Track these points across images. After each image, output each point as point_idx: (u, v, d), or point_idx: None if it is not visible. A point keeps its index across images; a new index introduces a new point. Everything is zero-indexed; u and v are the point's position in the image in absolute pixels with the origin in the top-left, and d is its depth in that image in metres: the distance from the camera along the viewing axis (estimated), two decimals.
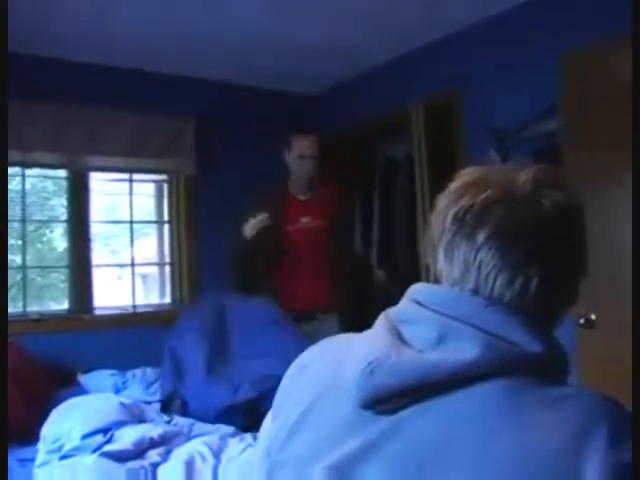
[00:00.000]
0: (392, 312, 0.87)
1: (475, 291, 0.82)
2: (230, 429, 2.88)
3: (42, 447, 2.68)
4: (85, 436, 2.64)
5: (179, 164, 4.33)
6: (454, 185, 0.87)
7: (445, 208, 0.85)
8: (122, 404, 2.94)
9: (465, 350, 0.75)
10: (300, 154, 3.53)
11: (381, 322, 0.86)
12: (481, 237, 0.80)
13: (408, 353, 0.77)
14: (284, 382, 0.98)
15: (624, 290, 2.77)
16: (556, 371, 0.80)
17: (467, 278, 0.82)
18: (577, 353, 2.89)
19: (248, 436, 2.75)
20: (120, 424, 2.75)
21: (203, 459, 2.50)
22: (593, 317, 2.84)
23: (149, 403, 3.41)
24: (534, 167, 0.85)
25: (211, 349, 3.22)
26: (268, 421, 1.00)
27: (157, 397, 3.49)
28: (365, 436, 0.78)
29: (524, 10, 3.47)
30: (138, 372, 3.72)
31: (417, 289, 0.86)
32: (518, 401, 0.74)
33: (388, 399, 0.77)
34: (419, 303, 0.83)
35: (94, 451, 2.57)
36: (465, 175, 0.87)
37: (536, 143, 3.38)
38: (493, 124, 3.57)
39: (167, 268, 4.52)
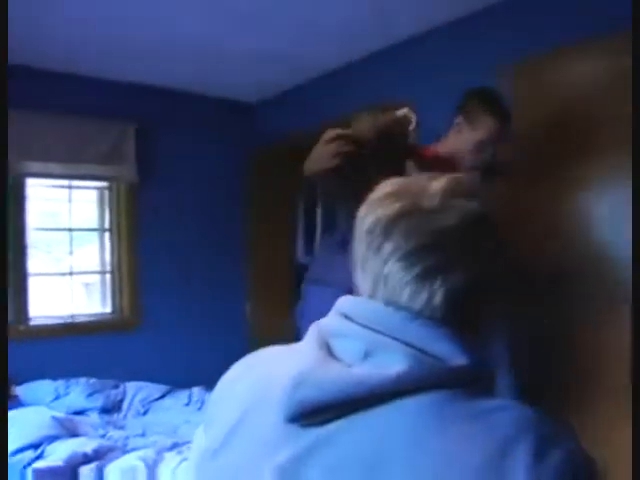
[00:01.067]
0: (322, 325, 0.86)
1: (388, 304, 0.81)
2: (167, 442, 2.82)
3: None
4: (14, 452, 2.56)
5: (120, 171, 4.25)
6: (371, 197, 0.86)
7: (360, 220, 0.85)
8: (54, 418, 2.87)
9: (391, 365, 0.75)
10: (489, 140, 2.67)
11: (311, 335, 0.85)
12: (387, 250, 0.80)
13: (335, 367, 0.77)
14: (215, 394, 0.97)
15: None
16: (483, 383, 0.80)
17: (377, 291, 0.82)
18: None
19: (185, 449, 2.70)
20: (52, 439, 2.68)
21: (138, 474, 2.45)
22: None
23: (89, 410, 3.34)
24: (447, 177, 0.85)
25: None
26: (200, 433, 0.98)
27: (99, 404, 3.43)
28: (292, 450, 0.77)
29: (469, 21, 3.49)
30: (82, 380, 3.66)
31: (345, 302, 0.86)
32: (444, 415, 0.73)
33: (314, 413, 0.76)
34: (347, 317, 0.83)
35: (24, 468, 2.50)
36: (383, 187, 0.87)
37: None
38: (439, 134, 3.58)
39: (108, 276, 4.43)
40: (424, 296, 0.79)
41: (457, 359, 0.76)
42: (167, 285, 4.38)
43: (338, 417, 0.76)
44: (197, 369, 4.01)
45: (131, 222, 4.34)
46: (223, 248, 4.64)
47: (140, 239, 4.34)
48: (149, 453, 2.63)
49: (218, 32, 3.59)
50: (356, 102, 4.01)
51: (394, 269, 0.80)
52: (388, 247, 0.80)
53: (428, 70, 3.72)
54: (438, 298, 0.79)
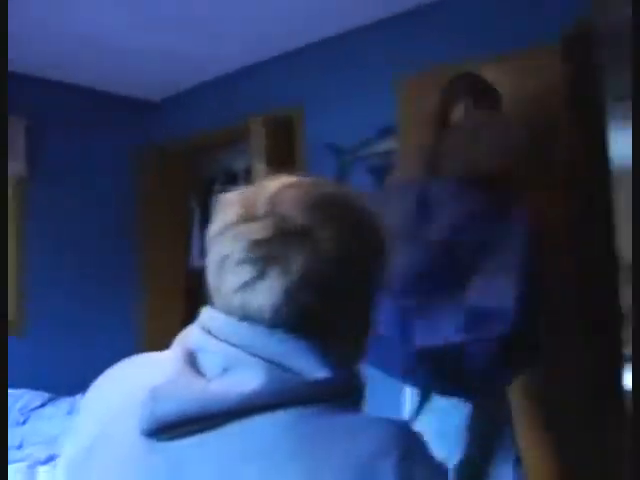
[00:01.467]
0: (186, 337, 0.83)
1: (245, 317, 0.78)
2: (42, 455, 2.69)
3: None
4: None
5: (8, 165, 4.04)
6: (220, 201, 0.84)
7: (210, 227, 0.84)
8: None
9: (247, 381, 0.72)
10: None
11: (178, 345, 0.83)
12: (217, 258, 0.79)
13: (193, 381, 0.75)
14: (83, 402, 0.93)
15: None
16: (350, 397, 0.78)
17: (215, 300, 0.81)
18: None
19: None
20: None
21: None
22: None
23: None
24: (283, 181, 0.83)
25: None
26: (67, 444, 0.92)
27: None
28: (150, 467, 0.75)
29: (368, 31, 3.52)
30: None
31: (205, 315, 0.83)
32: (305, 432, 0.71)
33: (170, 428, 0.73)
34: (207, 330, 0.80)
35: None
36: (233, 193, 0.84)
37: (373, 162, 3.45)
38: (333, 141, 3.60)
39: None
40: (252, 307, 0.76)
41: (318, 373, 0.74)
42: (54, 287, 4.20)
43: (197, 432, 0.73)
44: (84, 375, 3.85)
45: (17, 219, 4.13)
46: (116, 249, 4.49)
47: (27, 238, 4.14)
48: (21, 467, 2.49)
49: (120, 27, 3.48)
50: (257, 104, 3.98)
51: (223, 278, 0.78)
52: (218, 256, 0.79)
53: (324, 77, 3.73)
54: (266, 310, 0.76)
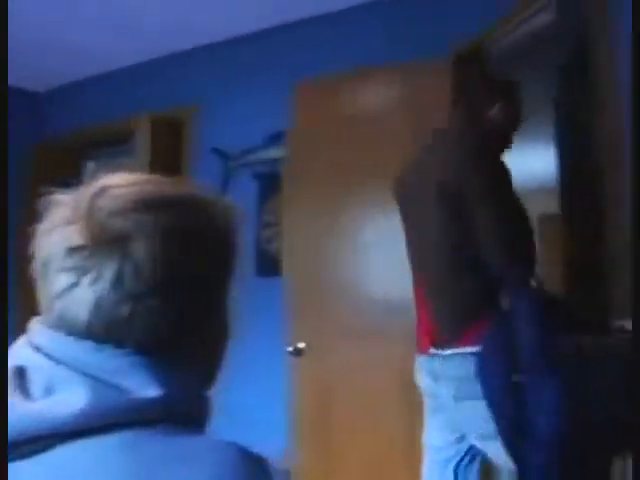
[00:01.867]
0: (16, 348, 0.76)
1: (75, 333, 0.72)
2: None
3: None
4: None
5: None
6: (47, 203, 0.77)
7: None
8: None
9: (71, 400, 0.66)
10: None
11: (11, 358, 0.75)
12: (38, 263, 0.73)
13: (14, 402, 0.67)
14: None
15: (331, 319, 2.88)
16: (191, 418, 0.73)
17: (41, 307, 0.75)
18: (287, 380, 2.94)
19: None
20: None
21: None
22: (302, 345, 2.89)
23: None
24: (109, 182, 0.76)
25: None
26: None
27: None
28: None
29: (265, 36, 3.51)
30: None
31: (32, 328, 0.76)
32: (139, 456, 0.66)
33: None
34: (34, 344, 0.73)
35: None
36: (62, 194, 0.77)
37: (260, 168, 3.44)
38: (224, 145, 3.56)
39: None
40: (68, 317, 0.71)
41: (147, 391, 0.69)
42: None
43: (19, 457, 0.66)
44: None
45: None
46: None
47: None
48: None
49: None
50: (142, 105, 3.87)
51: (45, 285, 0.73)
52: (40, 260, 0.73)
53: (218, 79, 3.69)
54: (80, 321, 0.70)
